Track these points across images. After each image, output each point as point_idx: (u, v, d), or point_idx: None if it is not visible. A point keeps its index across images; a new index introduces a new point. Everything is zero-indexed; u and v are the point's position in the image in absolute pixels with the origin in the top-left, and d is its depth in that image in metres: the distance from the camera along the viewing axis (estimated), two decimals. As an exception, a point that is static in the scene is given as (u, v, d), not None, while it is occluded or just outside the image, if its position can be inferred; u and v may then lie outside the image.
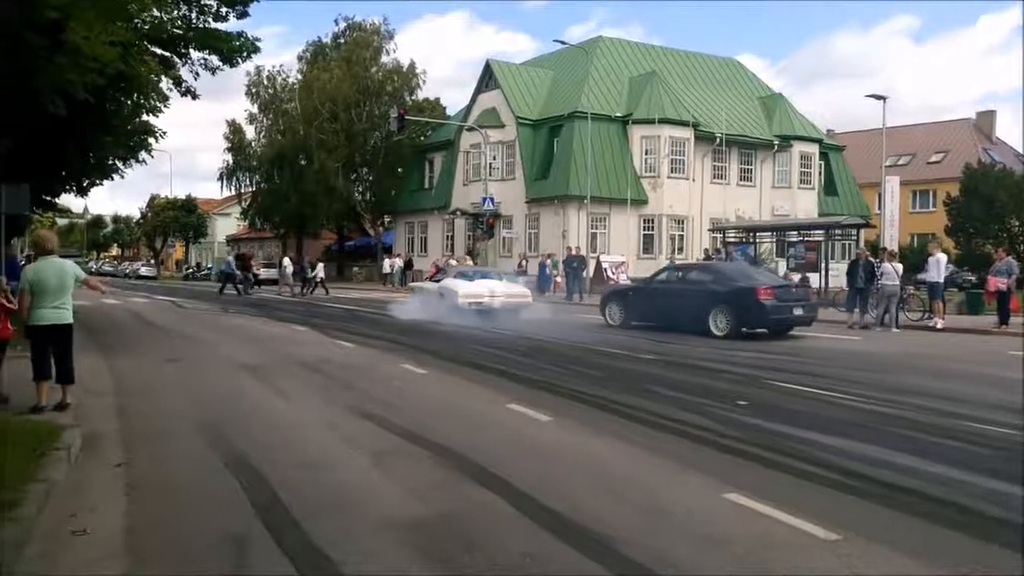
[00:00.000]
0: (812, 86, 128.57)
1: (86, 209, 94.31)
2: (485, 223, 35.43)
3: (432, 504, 5.45)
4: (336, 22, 56.27)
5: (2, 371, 9.07)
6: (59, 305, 8.48)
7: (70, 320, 8.62)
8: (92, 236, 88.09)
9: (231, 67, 15.04)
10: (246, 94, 54.86)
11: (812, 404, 9.14)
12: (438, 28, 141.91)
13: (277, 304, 29.04)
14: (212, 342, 15.82)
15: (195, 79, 16.20)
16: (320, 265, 38.13)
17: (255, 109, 55.07)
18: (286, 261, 39.27)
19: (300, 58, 56.40)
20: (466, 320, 18.76)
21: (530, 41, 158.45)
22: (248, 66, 61.86)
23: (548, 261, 32.97)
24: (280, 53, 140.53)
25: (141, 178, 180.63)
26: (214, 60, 14.98)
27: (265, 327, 19.51)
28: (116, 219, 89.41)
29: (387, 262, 34.88)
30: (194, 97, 16.52)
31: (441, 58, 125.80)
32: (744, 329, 16.45)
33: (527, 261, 34.04)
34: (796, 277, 27.03)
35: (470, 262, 33.57)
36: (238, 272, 36.60)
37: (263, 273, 51.93)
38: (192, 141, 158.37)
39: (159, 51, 14.86)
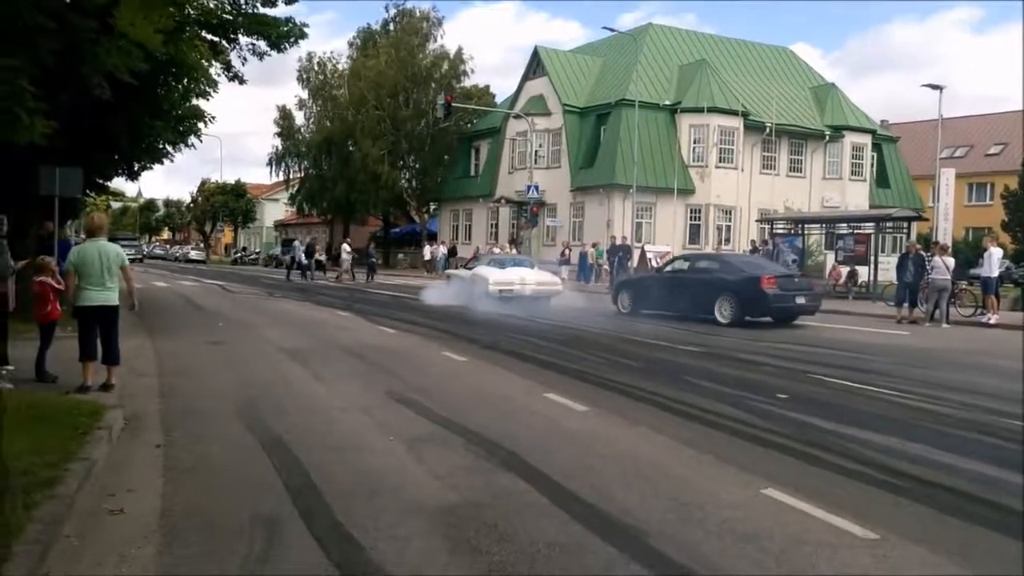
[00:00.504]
0: (866, 77, 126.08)
1: (139, 192, 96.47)
2: (529, 211, 35.38)
3: (464, 491, 5.44)
4: (386, 8, 56.29)
5: (48, 352, 9.27)
6: (104, 286, 8.63)
7: (116, 302, 8.76)
8: (144, 219, 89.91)
9: (278, 52, 15.16)
10: (297, 80, 55.50)
11: (853, 399, 8.94)
12: (487, 16, 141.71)
13: (322, 289, 29.34)
14: (255, 325, 16.03)
15: (243, 64, 16.36)
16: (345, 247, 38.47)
17: (305, 95, 55.66)
18: (345, 246, 39.46)
19: (350, 44, 56.85)
20: (495, 307, 19.16)
21: (580, 29, 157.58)
22: (300, 52, 62.59)
23: (591, 250, 32.80)
24: (331, 40, 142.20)
25: (193, 163, 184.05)
26: (262, 45, 15.12)
27: (309, 312, 19.71)
28: (168, 203, 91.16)
29: (428, 249, 34.94)
30: (241, 82, 16.70)
31: (491, 46, 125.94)
32: (748, 317, 17.00)
33: (570, 250, 33.90)
34: (845, 270, 26.58)
35: (513, 251, 33.62)
36: (305, 259, 36.94)
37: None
38: (243, 127, 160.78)
39: (209, 36, 15.01)
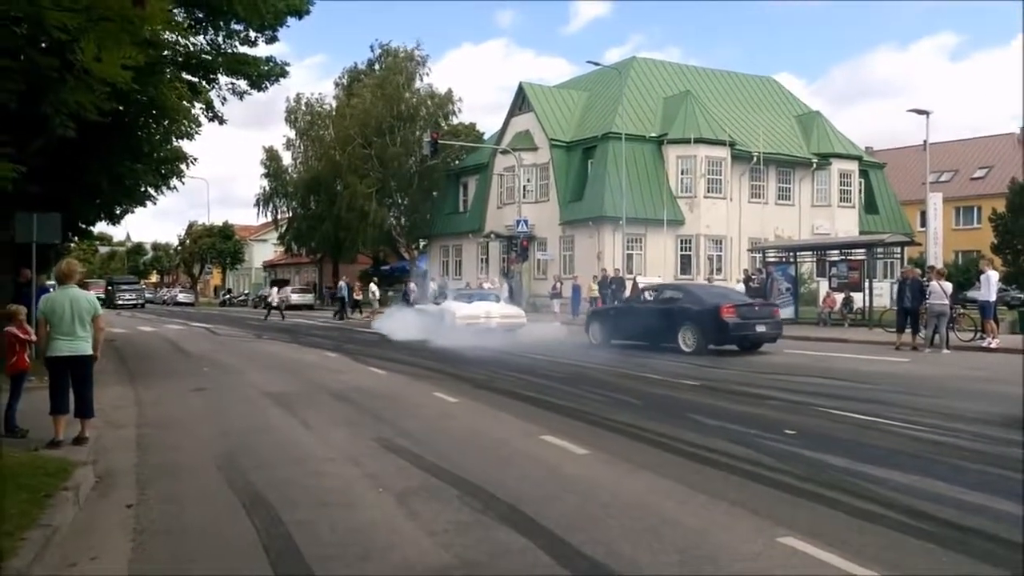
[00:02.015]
0: (849, 106, 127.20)
1: (128, 236, 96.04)
2: (519, 246, 35.11)
3: (459, 549, 5.02)
4: (372, 48, 56.42)
5: (18, 404, 8.82)
6: (75, 336, 8.21)
7: (88, 352, 8.33)
8: (132, 263, 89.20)
9: (259, 91, 14.96)
10: (285, 120, 55.46)
11: (864, 433, 8.56)
12: (476, 56, 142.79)
13: (311, 330, 28.87)
14: (241, 370, 15.58)
15: (222, 103, 16.12)
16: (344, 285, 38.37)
17: (293, 135, 55.58)
18: (372, 286, 39.06)
19: (337, 84, 56.91)
20: (463, 339, 19.66)
21: (568, 65, 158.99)
22: (288, 93, 62.59)
23: (593, 285, 32.17)
24: (322, 81, 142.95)
25: (182, 206, 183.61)
26: (242, 84, 14.90)
27: (296, 354, 19.25)
28: (156, 246, 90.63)
29: (411, 285, 34.06)
30: (221, 122, 16.46)
31: (479, 85, 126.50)
32: (711, 346, 17.48)
33: (561, 283, 33.55)
34: (840, 297, 26.32)
35: (505, 285, 33.29)
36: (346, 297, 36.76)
37: (296, 299, 52.19)
38: (234, 170, 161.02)
39: (189, 77, 14.76)
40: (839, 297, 26.56)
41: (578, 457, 7.55)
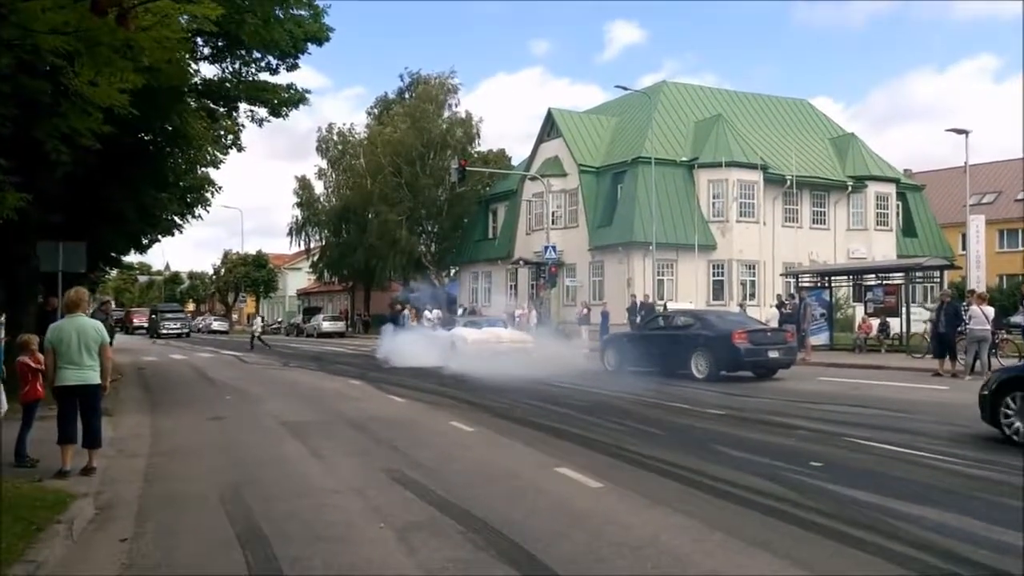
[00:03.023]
0: (888, 129, 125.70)
1: (167, 266, 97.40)
2: (547, 272, 34.87)
3: (454, 592, 4.74)
4: (402, 77, 56.87)
5: (30, 433, 8.72)
6: (83, 365, 8.10)
7: (95, 381, 8.22)
8: (169, 292, 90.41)
9: (279, 118, 14.98)
10: (317, 150, 56.02)
11: (896, 465, 8.13)
12: (510, 84, 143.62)
13: (338, 358, 28.80)
14: (262, 398, 15.45)
15: (241, 130, 16.16)
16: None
17: (325, 164, 56.10)
18: (427, 312, 37.71)
19: (368, 113, 57.44)
20: (475, 363, 19.78)
21: (602, 93, 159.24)
22: (321, 122, 63.28)
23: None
24: (356, 113, 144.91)
25: (222, 235, 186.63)
26: (261, 112, 14.93)
27: (320, 382, 19.12)
28: (192, 275, 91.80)
29: (426, 314, 33.44)
30: (240, 150, 16.50)
31: (513, 113, 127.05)
32: (723, 372, 17.35)
33: (589, 309, 33.15)
34: (876, 323, 25.68)
35: (533, 312, 33.05)
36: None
37: (328, 326, 52.26)
38: (270, 200, 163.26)
39: (210, 104, 14.82)
40: (875, 323, 25.91)
41: (592, 491, 7.23)
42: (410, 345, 23.49)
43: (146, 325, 59.35)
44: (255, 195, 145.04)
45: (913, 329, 24.80)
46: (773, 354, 17.62)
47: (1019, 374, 9.65)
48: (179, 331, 53.11)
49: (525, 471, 8.14)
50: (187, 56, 7.75)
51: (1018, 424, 9.11)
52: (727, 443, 9.47)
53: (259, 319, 42.83)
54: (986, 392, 9.57)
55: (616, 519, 6.26)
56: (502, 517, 6.32)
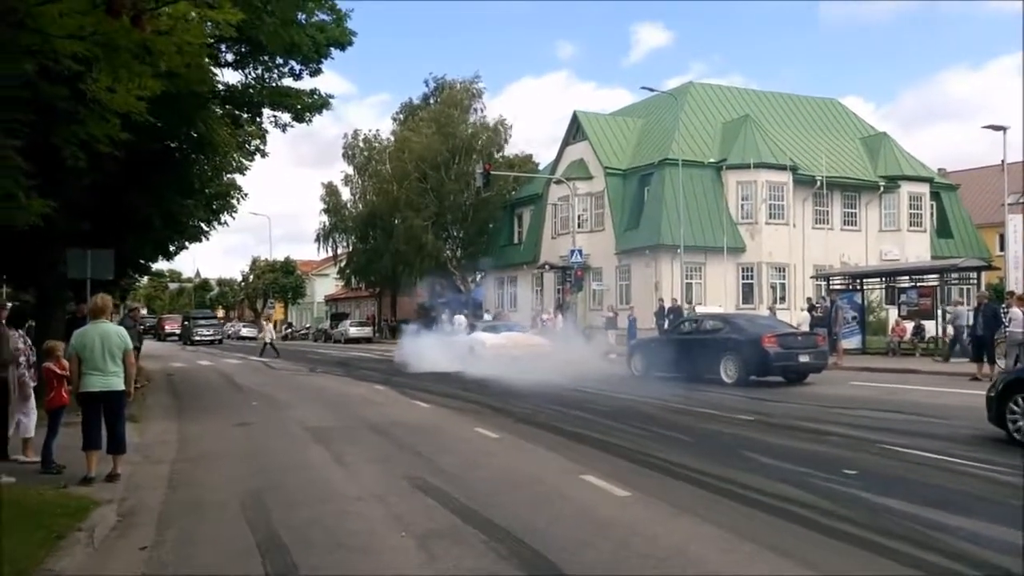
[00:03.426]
0: (921, 128, 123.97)
1: (197, 272, 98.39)
2: (573, 276, 34.70)
3: (475, 603, 4.62)
4: (427, 82, 56.92)
5: (56, 439, 8.75)
6: (106, 372, 8.10)
7: (119, 387, 8.21)
8: (199, 298, 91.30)
9: (302, 123, 14.98)
10: (343, 156, 56.24)
11: (931, 473, 7.90)
12: (536, 88, 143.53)
13: (364, 363, 28.83)
14: (288, 404, 15.44)
15: (265, 135, 16.21)
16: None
17: (351, 171, 56.32)
18: (460, 318, 36.89)
19: (394, 119, 57.59)
20: (492, 367, 20.11)
21: (628, 96, 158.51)
22: (347, 129, 63.59)
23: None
24: (382, 119, 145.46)
25: (251, 242, 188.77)
26: (284, 117, 14.94)
27: (346, 387, 19.11)
28: (221, 282, 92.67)
29: (457, 318, 33.07)
30: (263, 156, 16.54)
31: (540, 117, 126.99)
32: (753, 377, 17.14)
33: (616, 313, 32.88)
34: (910, 325, 25.23)
35: (559, 316, 32.89)
36: None
37: (355, 332, 52.41)
38: (299, 207, 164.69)
39: (234, 110, 14.87)
40: (909, 326, 25.44)
41: (618, 499, 7.08)
42: (429, 350, 23.54)
43: (178, 332, 58.84)
44: (283, 202, 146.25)
45: (951, 332, 24.30)
46: (804, 358, 17.35)
47: (1023, 377, 9.82)
48: (212, 338, 52.25)
49: (549, 478, 8.01)
50: (209, 62, 7.71)
51: (1023, 424, 9.24)
52: (757, 449, 9.27)
53: (270, 325, 42.58)
54: (992, 394, 9.76)
55: (642, 528, 6.11)
56: (525, 525, 6.20)
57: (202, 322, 54.83)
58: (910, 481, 7.51)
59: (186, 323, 56.93)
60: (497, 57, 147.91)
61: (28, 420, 9.21)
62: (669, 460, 8.73)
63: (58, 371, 8.81)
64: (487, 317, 37.38)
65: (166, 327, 62.71)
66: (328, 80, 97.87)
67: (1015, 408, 9.36)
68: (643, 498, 7.06)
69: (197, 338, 51.00)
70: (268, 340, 36.04)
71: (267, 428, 12.27)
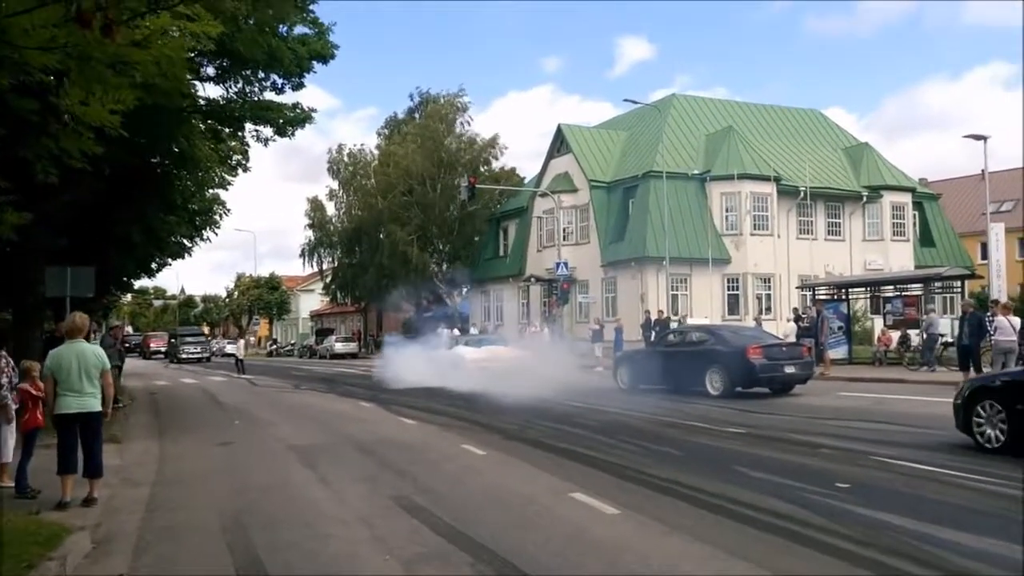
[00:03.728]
0: (902, 138, 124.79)
1: (182, 290, 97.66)
2: (559, 289, 34.59)
3: (462, 631, 4.45)
4: (411, 96, 56.84)
5: (30, 462, 8.51)
6: (83, 392, 7.89)
7: (96, 408, 8.01)
8: (184, 315, 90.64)
9: (284, 137, 14.82)
10: (328, 171, 55.97)
11: (927, 486, 7.78)
12: (522, 102, 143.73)
13: (348, 379, 28.56)
14: (271, 422, 15.21)
15: (247, 150, 16.05)
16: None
17: (336, 185, 56.07)
18: (450, 331, 34.78)
19: (379, 134, 57.44)
20: (474, 380, 19.92)
21: (613, 109, 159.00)
22: (331, 144, 63.47)
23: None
24: (368, 134, 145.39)
25: (238, 258, 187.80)
26: (266, 131, 14.78)
27: (330, 404, 18.88)
28: (205, 298, 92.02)
29: (443, 331, 32.80)
30: (245, 170, 16.35)
31: (525, 131, 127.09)
32: (739, 388, 17.02)
33: (602, 326, 32.72)
34: (896, 335, 25.23)
35: (545, 329, 32.75)
36: None
37: (340, 347, 52.07)
38: (285, 223, 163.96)
39: (216, 125, 14.68)
40: (895, 335, 25.44)
41: (608, 517, 6.93)
42: (410, 364, 23.42)
43: (164, 350, 57.70)
44: (271, 218, 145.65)
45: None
46: (789, 369, 17.28)
47: (988, 383, 9.93)
48: (200, 355, 50.69)
49: (538, 497, 7.84)
50: (190, 76, 7.55)
51: (989, 431, 9.37)
52: (748, 463, 9.14)
53: (241, 341, 41.81)
54: (959, 401, 9.87)
55: (633, 548, 5.96)
56: (514, 547, 6.03)
57: (189, 339, 53.43)
58: (904, 494, 7.39)
59: (172, 340, 55.46)
60: (483, 71, 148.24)
61: (6, 445, 8.96)
62: (659, 476, 8.59)
63: (34, 392, 8.59)
64: (473, 331, 37.27)
65: (152, 345, 61.58)
66: (314, 95, 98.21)
67: (980, 415, 9.50)
68: (634, 516, 6.91)
69: (184, 356, 49.66)
70: (241, 356, 35.07)
71: (249, 447, 12.05)
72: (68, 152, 5.86)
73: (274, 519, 7.30)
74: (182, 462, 10.89)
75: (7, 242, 8.19)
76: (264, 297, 68.69)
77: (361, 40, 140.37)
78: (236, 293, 74.19)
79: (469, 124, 52.37)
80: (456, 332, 30.89)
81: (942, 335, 22.84)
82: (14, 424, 8.97)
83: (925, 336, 22.57)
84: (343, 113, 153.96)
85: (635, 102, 37.88)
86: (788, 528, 6.30)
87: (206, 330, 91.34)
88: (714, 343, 17.99)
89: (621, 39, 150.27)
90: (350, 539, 6.55)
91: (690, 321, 31.46)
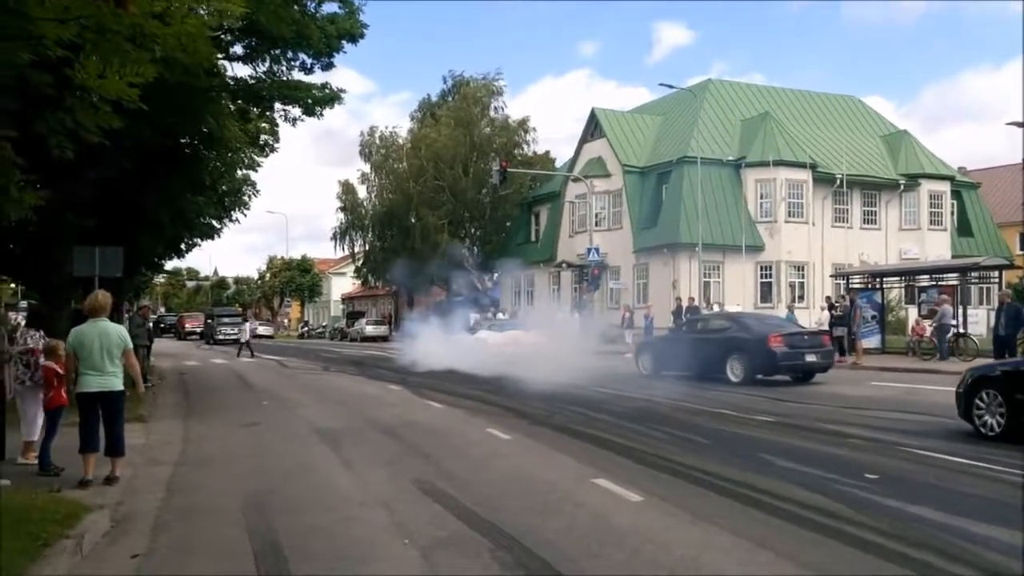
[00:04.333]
0: (942, 128, 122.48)
1: (216, 271, 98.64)
2: (590, 274, 34.36)
3: (476, 619, 4.35)
4: (445, 79, 56.71)
5: (54, 441, 8.54)
6: (105, 372, 7.88)
7: (118, 388, 7.99)
8: (216, 296, 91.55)
9: (311, 117, 14.74)
10: (360, 154, 56.04)
11: (958, 479, 7.55)
12: (557, 87, 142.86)
13: (379, 362, 28.63)
14: (298, 403, 15.23)
15: (277, 129, 16.01)
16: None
17: (368, 169, 56.13)
18: (476, 316, 34.53)
19: (411, 117, 57.39)
20: (495, 363, 20.25)
21: (650, 95, 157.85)
22: (363, 127, 63.45)
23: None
24: (403, 118, 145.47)
25: (272, 240, 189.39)
26: (294, 111, 14.73)
27: (359, 386, 18.89)
28: (238, 280, 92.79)
29: (472, 316, 32.64)
30: (273, 151, 16.32)
31: (560, 116, 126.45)
32: (759, 376, 17.09)
33: (632, 312, 32.46)
34: (929, 325, 24.70)
35: (576, 315, 32.55)
36: None
37: (371, 330, 52.21)
38: (320, 206, 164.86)
39: (245, 104, 14.65)
40: (928, 325, 24.90)
41: (631, 505, 6.80)
42: (435, 348, 23.53)
43: (200, 330, 55.70)
44: (306, 201, 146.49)
45: (971, 331, 23.82)
46: (810, 358, 17.28)
47: (988, 373, 10.11)
48: (237, 336, 47.02)
49: (561, 483, 7.72)
50: (216, 52, 7.44)
51: (988, 419, 9.57)
52: (775, 452, 8.95)
53: (247, 324, 39.01)
54: (961, 389, 10.10)
55: (656, 537, 5.82)
56: (534, 534, 5.92)
57: (226, 320, 50.88)
58: (937, 487, 7.18)
59: (209, 321, 53.24)
60: (520, 56, 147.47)
61: (35, 423, 9.02)
62: (685, 463, 8.43)
63: (59, 370, 8.62)
64: (501, 316, 37.17)
65: (187, 325, 59.85)
66: (349, 78, 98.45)
67: (981, 403, 9.68)
68: (658, 503, 6.78)
69: (221, 337, 47.37)
70: (245, 339, 33.63)
71: (275, 429, 12.05)
72: (84, 126, 5.80)
73: (295, 502, 7.25)
74: (206, 443, 10.91)
75: (33, 222, 8.17)
76: (296, 279, 69.09)
77: (398, 24, 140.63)
78: (268, 275, 74.70)
79: (504, 108, 52.14)
80: (478, 316, 30.90)
81: (953, 325, 22.46)
82: (42, 402, 9.03)
83: (937, 326, 22.24)
84: (379, 97, 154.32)
85: (671, 86, 37.32)
86: (814, 519, 6.13)
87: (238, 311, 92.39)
88: (736, 330, 18.05)
89: (660, 25, 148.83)
90: (370, 523, 6.48)
91: (729, 309, 31.04)
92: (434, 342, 24.84)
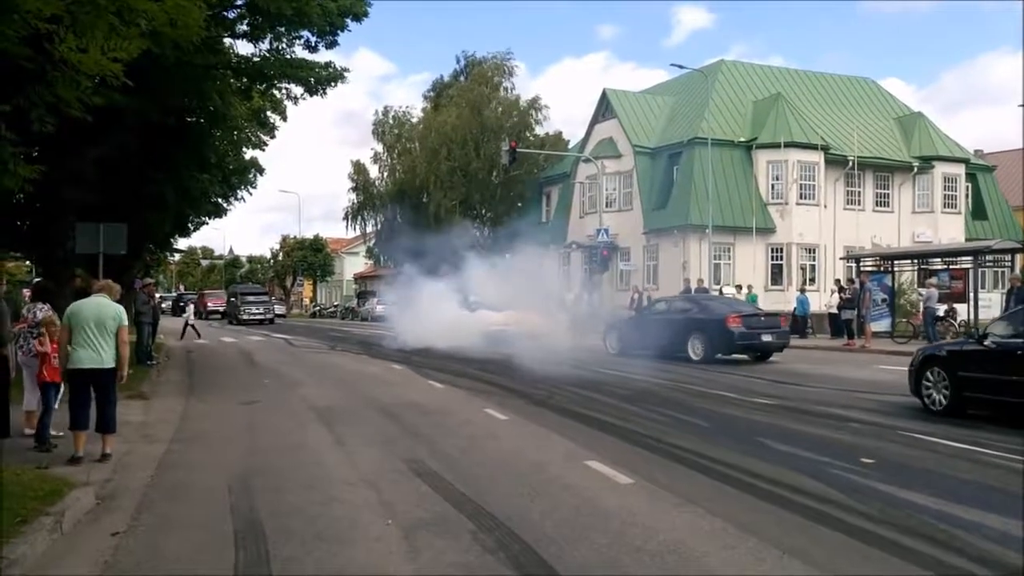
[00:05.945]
0: (960, 111, 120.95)
1: (231, 250, 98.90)
2: (600, 255, 34.19)
3: (450, 601, 4.28)
4: (458, 59, 56.33)
5: (51, 417, 8.52)
6: (98, 347, 7.85)
7: (110, 365, 7.96)
8: (229, 276, 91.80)
9: (313, 96, 14.61)
10: (372, 134, 55.81)
11: (955, 464, 7.42)
12: (576, 68, 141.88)
13: (384, 341, 28.58)
14: (300, 382, 15.21)
15: (283, 108, 15.90)
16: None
17: (380, 149, 55.95)
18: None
19: (425, 97, 57.12)
20: (488, 342, 20.93)
21: (667, 76, 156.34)
22: (377, 106, 63.22)
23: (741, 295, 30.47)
24: (420, 99, 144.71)
25: (290, 221, 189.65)
26: (297, 89, 14.61)
27: (361, 366, 18.87)
28: (251, 259, 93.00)
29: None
30: (277, 127, 16.24)
31: (578, 97, 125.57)
32: (718, 355, 17.94)
33: (640, 295, 32.25)
34: (942, 308, 24.44)
35: (585, 296, 32.42)
36: None
37: (381, 310, 52.13)
38: (335, 186, 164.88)
39: (249, 83, 14.53)
40: (942, 308, 24.63)
41: (620, 487, 6.71)
42: (430, 326, 23.40)
43: (223, 309, 52.77)
44: (323, 182, 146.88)
45: (983, 316, 23.53)
46: (767, 338, 18.13)
47: (935, 352, 10.75)
48: (263, 316, 45.64)
49: (552, 464, 7.64)
50: (201, 23, 7.28)
51: (935, 395, 10.24)
52: (773, 436, 8.84)
53: (192, 306, 36.54)
54: (912, 367, 10.81)
55: (642, 520, 5.73)
56: (519, 516, 5.85)
57: (251, 299, 48.06)
58: (933, 472, 7.05)
59: (232, 299, 50.36)
60: (538, 38, 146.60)
61: (35, 392, 8.99)
62: (680, 446, 8.34)
63: (38, 348, 8.58)
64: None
65: (209, 303, 55.83)
66: (368, 59, 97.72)
67: (928, 381, 10.36)
68: (647, 486, 6.69)
69: (245, 316, 45.08)
70: (189, 320, 31.66)
71: (273, 407, 12.04)
72: (65, 100, 5.72)
73: (282, 482, 7.20)
74: (203, 421, 10.90)
75: (36, 196, 8.13)
76: (308, 259, 69.15)
77: (418, 5, 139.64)
78: (281, 254, 74.80)
79: (514, 89, 51.80)
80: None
81: (936, 309, 22.29)
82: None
83: (922, 309, 22.28)
84: (399, 78, 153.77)
85: (681, 67, 36.79)
86: (805, 504, 6.03)
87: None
88: (697, 312, 19.10)
89: (679, 6, 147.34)
90: (355, 503, 6.42)
91: (727, 290, 30.84)
92: (430, 319, 24.79)
